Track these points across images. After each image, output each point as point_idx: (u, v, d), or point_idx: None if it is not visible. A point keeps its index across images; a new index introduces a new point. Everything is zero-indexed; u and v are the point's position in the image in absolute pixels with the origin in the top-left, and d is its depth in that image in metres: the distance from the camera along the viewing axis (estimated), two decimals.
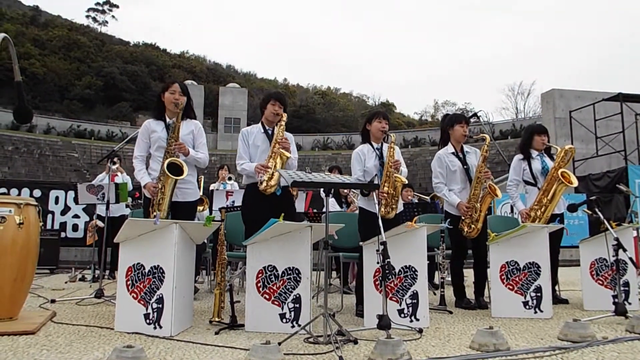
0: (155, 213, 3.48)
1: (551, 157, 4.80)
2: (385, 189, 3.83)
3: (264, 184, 3.65)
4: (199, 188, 5.90)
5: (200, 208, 5.42)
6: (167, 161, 3.56)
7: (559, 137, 13.99)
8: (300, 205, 6.53)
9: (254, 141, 3.90)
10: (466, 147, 4.52)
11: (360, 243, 3.54)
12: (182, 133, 3.72)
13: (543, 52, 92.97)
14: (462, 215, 4.28)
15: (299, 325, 3.02)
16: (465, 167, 4.38)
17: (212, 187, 7.49)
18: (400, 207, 4.07)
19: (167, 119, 3.82)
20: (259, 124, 3.99)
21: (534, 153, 4.77)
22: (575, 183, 4.43)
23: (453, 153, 4.44)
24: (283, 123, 3.83)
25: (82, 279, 6.24)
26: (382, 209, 3.80)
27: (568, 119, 14.13)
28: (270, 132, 3.89)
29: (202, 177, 6.43)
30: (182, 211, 3.70)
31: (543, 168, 4.66)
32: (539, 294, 3.80)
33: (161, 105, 3.85)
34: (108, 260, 6.25)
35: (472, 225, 4.25)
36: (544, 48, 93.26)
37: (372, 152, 4.06)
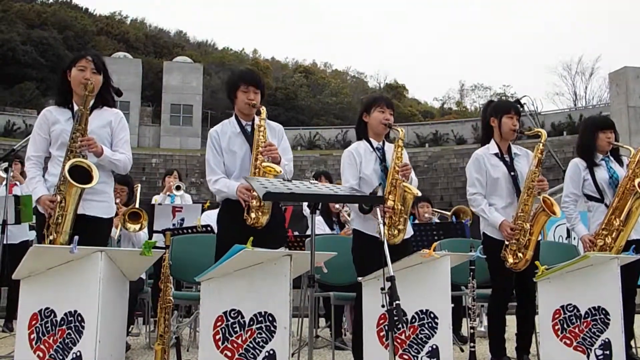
0: (51, 236, 3.45)
1: (620, 161, 4.82)
2: (390, 202, 3.85)
3: (253, 216, 3.67)
4: (135, 200, 5.90)
5: (133, 227, 5.26)
6: (69, 163, 3.51)
7: (634, 134, 14.13)
8: None
9: (228, 146, 3.89)
10: (515, 148, 4.54)
11: (359, 279, 3.55)
12: (94, 125, 3.70)
13: (611, 16, 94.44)
14: (506, 239, 4.29)
15: None
16: (512, 174, 4.38)
17: (154, 199, 7.47)
18: (410, 231, 4.09)
19: (75, 107, 3.79)
20: (233, 120, 3.99)
21: (598, 157, 4.77)
22: None
23: (496, 154, 4.44)
24: (263, 123, 3.80)
25: None
26: (386, 231, 3.79)
27: None
28: (249, 129, 3.89)
29: (139, 185, 6.39)
30: (89, 229, 3.56)
31: (611, 177, 4.68)
32: (607, 352, 3.82)
33: (66, 87, 3.82)
34: (3, 304, 6.17)
35: (520, 254, 4.24)
36: (613, 11, 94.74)
37: (370, 152, 4.09)
